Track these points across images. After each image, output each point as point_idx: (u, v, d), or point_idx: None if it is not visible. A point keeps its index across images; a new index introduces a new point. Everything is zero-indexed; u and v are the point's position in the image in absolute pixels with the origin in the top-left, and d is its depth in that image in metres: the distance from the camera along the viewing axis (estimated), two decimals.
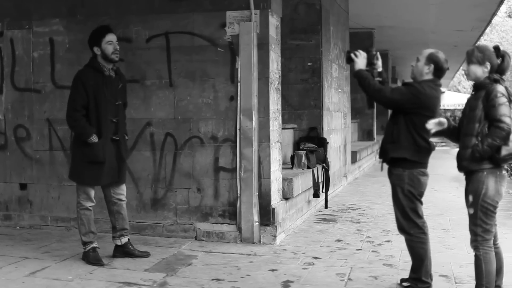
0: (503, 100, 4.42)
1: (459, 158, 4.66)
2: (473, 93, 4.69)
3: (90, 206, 6.03)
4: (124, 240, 6.24)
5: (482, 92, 4.53)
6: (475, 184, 4.56)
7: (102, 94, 5.90)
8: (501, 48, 4.69)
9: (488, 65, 4.58)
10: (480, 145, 4.45)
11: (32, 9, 7.68)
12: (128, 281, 5.39)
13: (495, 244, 4.69)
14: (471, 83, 4.77)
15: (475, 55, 4.64)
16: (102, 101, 5.90)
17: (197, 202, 7.12)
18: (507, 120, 4.38)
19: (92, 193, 6.04)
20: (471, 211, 4.59)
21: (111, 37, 5.99)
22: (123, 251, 6.23)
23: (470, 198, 4.59)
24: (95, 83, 5.90)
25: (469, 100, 4.68)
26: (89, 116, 5.89)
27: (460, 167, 4.69)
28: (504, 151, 4.42)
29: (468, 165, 4.58)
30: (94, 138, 5.85)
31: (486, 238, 4.55)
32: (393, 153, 4.92)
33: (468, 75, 4.73)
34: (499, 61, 4.62)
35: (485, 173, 4.50)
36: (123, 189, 6.24)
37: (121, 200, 6.20)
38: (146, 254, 6.26)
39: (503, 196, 4.56)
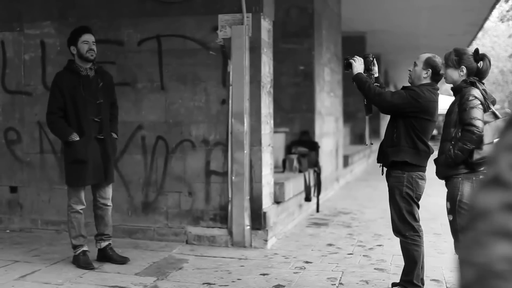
0: (475, 103, 4.37)
1: (437, 164, 4.64)
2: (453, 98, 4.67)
3: (80, 209, 5.99)
4: (104, 244, 6.16)
5: (459, 96, 4.51)
6: (451, 190, 4.54)
7: (80, 94, 5.88)
8: (480, 51, 4.63)
9: (464, 69, 4.54)
10: (452, 150, 4.42)
11: (23, 11, 7.64)
12: (119, 285, 5.36)
13: None
14: None
15: (451, 58, 4.60)
16: (80, 101, 5.87)
17: (188, 205, 7.09)
18: (478, 123, 4.32)
19: (83, 195, 5.99)
20: (450, 218, 4.56)
21: (87, 37, 5.97)
22: (102, 255, 6.17)
23: (448, 204, 4.56)
24: (71, 84, 5.89)
25: (449, 105, 4.65)
26: (68, 117, 5.89)
27: (438, 173, 4.68)
28: (477, 155, 4.36)
29: (444, 171, 4.56)
30: (75, 137, 5.82)
31: None
32: (394, 156, 4.88)
33: (445, 78, 4.70)
34: (479, 64, 4.58)
35: (460, 178, 4.47)
36: (109, 193, 6.15)
37: (106, 205, 6.12)
38: (124, 260, 6.12)
39: None
